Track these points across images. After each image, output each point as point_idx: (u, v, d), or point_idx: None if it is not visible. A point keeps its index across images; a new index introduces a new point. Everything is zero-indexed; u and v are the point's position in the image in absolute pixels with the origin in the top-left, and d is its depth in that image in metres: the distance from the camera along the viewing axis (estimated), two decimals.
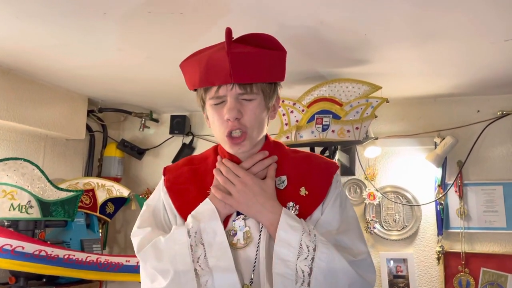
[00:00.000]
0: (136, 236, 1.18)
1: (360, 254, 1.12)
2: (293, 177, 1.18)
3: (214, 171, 1.18)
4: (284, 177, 1.17)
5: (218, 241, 1.09)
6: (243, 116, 1.10)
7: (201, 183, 1.20)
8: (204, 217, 1.12)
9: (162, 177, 1.26)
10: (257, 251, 1.09)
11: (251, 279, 1.07)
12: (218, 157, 1.22)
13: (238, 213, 1.14)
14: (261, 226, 1.11)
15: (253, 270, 1.08)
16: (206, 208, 1.14)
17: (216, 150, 1.25)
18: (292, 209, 1.12)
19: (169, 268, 1.07)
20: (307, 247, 1.05)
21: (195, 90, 1.18)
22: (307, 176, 1.18)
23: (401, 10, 1.55)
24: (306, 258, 1.05)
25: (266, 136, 1.22)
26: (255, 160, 1.18)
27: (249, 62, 1.08)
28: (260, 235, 1.11)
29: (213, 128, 1.16)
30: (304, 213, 1.13)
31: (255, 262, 1.08)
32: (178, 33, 1.79)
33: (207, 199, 1.15)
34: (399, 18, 1.62)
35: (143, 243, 1.14)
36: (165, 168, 1.27)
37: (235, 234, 1.12)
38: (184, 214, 1.17)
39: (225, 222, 1.13)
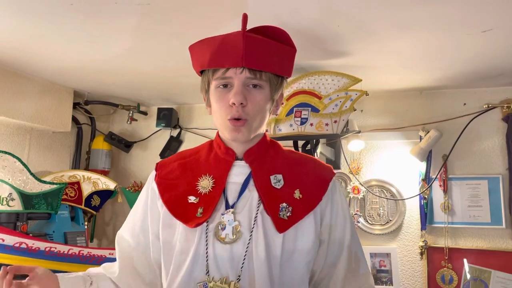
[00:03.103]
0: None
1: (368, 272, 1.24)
2: (288, 177, 1.16)
3: None
4: (280, 176, 1.16)
5: None
6: (247, 103, 1.09)
7: (190, 176, 1.19)
8: None
9: (153, 172, 1.25)
10: (247, 249, 1.08)
11: (239, 276, 1.07)
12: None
13: (227, 206, 1.13)
14: (252, 225, 1.10)
15: (241, 268, 1.07)
16: None
17: (211, 144, 1.24)
18: (285, 210, 1.11)
19: None
20: None
21: (201, 73, 1.17)
22: (302, 179, 1.17)
23: (371, 2, 1.51)
24: None
25: (264, 134, 1.22)
26: None
27: (262, 50, 1.08)
28: (251, 234, 1.09)
29: (215, 114, 1.14)
30: (295, 217, 1.12)
31: (244, 260, 1.08)
32: (153, 25, 1.77)
33: None
34: (372, 9, 1.58)
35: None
36: (157, 164, 1.27)
37: (223, 228, 1.10)
38: (170, 208, 1.16)
39: (214, 215, 1.12)
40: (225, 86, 1.10)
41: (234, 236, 1.09)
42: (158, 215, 1.20)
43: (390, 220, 2.55)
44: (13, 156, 2.41)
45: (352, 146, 2.54)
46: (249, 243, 1.08)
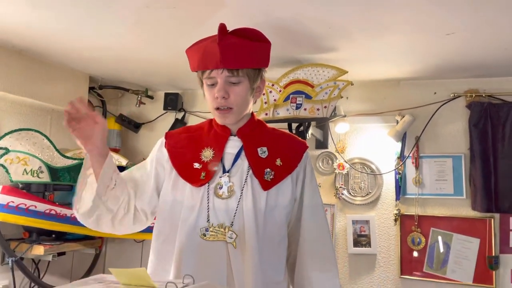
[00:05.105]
0: None
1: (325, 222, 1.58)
2: (271, 149, 1.48)
3: None
4: (265, 148, 1.47)
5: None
6: (229, 96, 1.37)
7: (195, 148, 1.49)
8: None
9: (163, 139, 1.53)
10: (238, 203, 1.40)
11: (232, 222, 1.39)
12: None
13: (224, 171, 1.43)
14: (243, 185, 1.41)
15: (234, 216, 1.39)
16: None
17: (211, 122, 1.53)
18: (269, 174, 1.43)
19: None
20: None
21: (196, 72, 1.46)
22: (282, 150, 1.49)
23: (356, 8, 1.85)
24: None
25: (252, 114, 1.52)
26: None
27: (236, 51, 1.35)
28: (242, 191, 1.41)
29: (207, 103, 1.46)
30: (277, 179, 1.44)
31: (235, 211, 1.40)
32: (171, 24, 2.08)
33: None
34: (355, 14, 1.92)
35: None
36: (167, 133, 1.56)
37: (221, 188, 1.42)
38: (180, 172, 1.46)
39: (214, 178, 1.43)
40: (211, 83, 1.40)
41: (229, 193, 1.41)
42: (162, 169, 1.49)
43: (370, 192, 2.95)
44: (42, 134, 2.71)
45: (338, 128, 2.92)
46: (240, 198, 1.40)
